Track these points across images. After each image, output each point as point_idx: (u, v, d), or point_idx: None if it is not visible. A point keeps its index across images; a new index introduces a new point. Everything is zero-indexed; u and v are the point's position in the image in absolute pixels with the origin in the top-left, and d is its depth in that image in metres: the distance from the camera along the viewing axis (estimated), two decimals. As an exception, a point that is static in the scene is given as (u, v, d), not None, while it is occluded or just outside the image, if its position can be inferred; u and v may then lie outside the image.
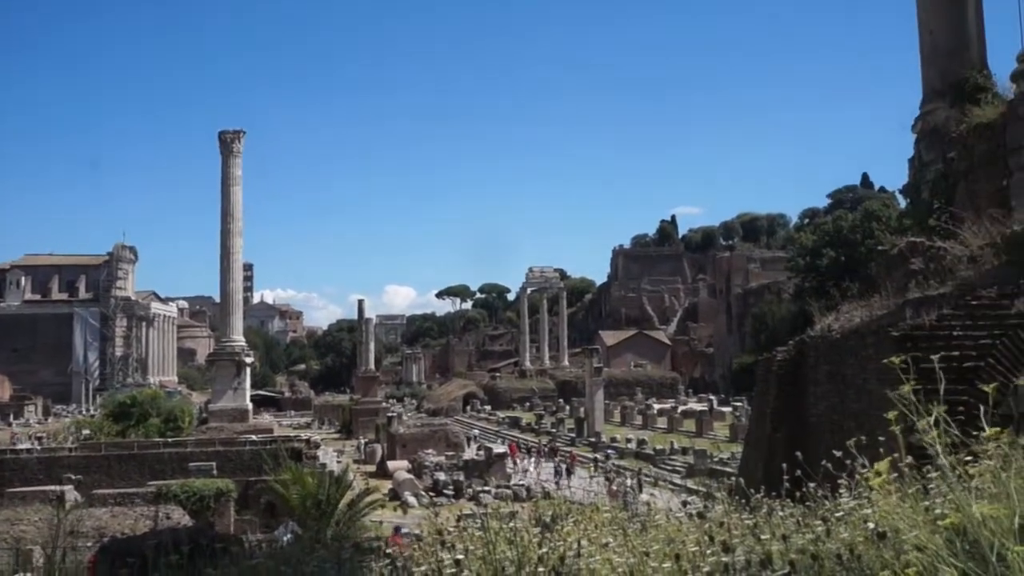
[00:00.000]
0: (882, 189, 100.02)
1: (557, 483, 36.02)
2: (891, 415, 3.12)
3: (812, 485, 5.41)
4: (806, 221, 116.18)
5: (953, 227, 12.58)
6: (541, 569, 4.08)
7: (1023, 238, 11.17)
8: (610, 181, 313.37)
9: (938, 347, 8.21)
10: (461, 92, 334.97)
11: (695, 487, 31.37)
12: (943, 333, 9.36)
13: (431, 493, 34.86)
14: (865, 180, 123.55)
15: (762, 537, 4.44)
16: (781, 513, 5.12)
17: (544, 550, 4.35)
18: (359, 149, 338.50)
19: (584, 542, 4.51)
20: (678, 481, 36.31)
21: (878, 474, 3.32)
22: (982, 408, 3.61)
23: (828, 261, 67.51)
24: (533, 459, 44.32)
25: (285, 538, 17.92)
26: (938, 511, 4.10)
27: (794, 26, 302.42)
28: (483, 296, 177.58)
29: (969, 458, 3.50)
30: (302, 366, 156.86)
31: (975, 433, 3.56)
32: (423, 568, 4.30)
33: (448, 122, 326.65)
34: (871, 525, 4.33)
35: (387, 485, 35.69)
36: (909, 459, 3.78)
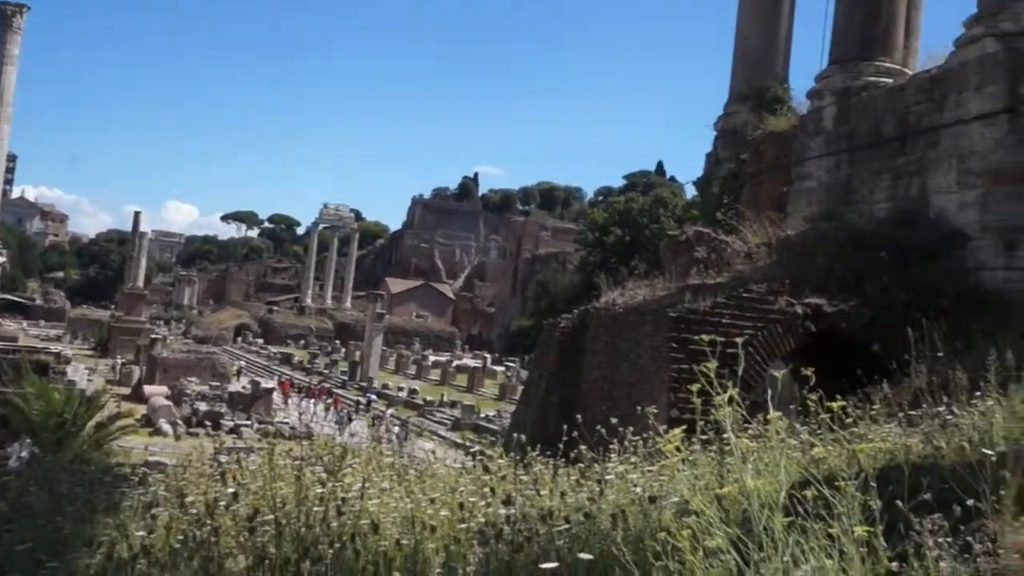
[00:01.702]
0: (673, 179, 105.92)
1: (340, 430, 35.65)
2: (693, 387, 3.26)
3: (584, 448, 5.66)
4: (600, 198, 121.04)
5: (737, 223, 13.54)
6: (318, 508, 4.00)
7: (792, 243, 12.19)
8: (418, 130, 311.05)
9: (708, 331, 8.83)
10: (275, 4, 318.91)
11: (460, 440, 32.21)
12: (714, 319, 10.07)
13: (188, 423, 33.46)
14: (660, 168, 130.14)
15: (541, 493, 4.61)
16: (560, 472, 5.33)
17: (323, 490, 4.27)
18: (159, 51, 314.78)
19: (364, 485, 4.47)
20: (443, 433, 37.04)
21: (670, 442, 3.48)
22: (736, 391, 3.80)
23: (615, 239, 70.65)
24: (313, 400, 43.41)
25: (19, 455, 16.54)
26: (705, 481, 4.41)
27: (617, 12, 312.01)
28: (271, 226, 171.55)
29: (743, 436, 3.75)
30: (60, 274, 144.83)
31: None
32: (191, 499, 4.10)
33: (255, 40, 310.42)
34: (639, 490, 4.58)
35: (141, 410, 33.88)
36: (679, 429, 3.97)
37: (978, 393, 5.87)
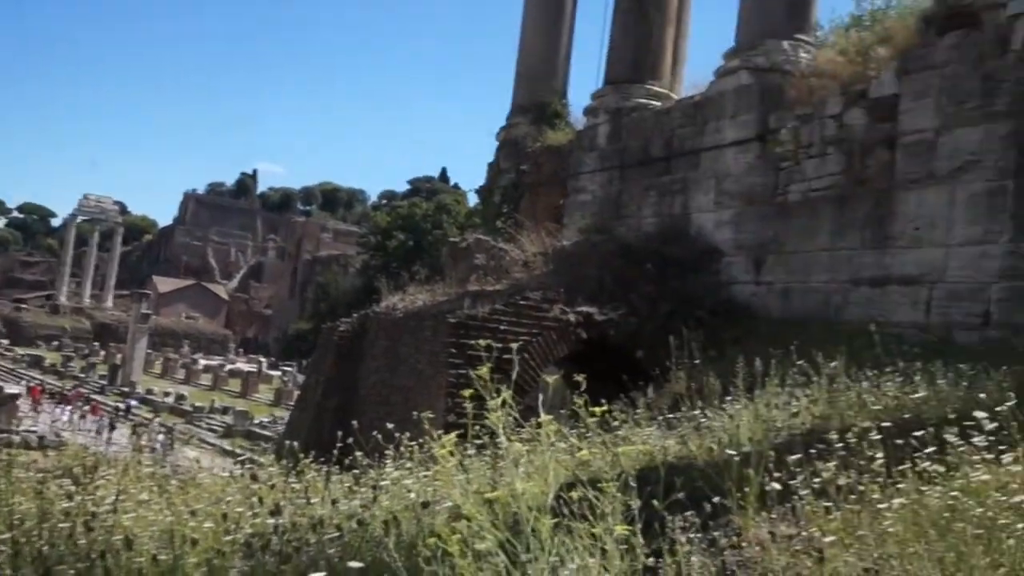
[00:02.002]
0: (457, 186, 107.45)
1: (98, 439, 32.89)
2: (466, 392, 3.29)
3: (360, 454, 5.59)
4: (384, 202, 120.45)
5: (516, 232, 13.94)
6: (64, 524, 3.68)
7: (567, 253, 12.71)
8: (193, 121, 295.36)
9: (486, 337, 9.02)
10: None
11: (231, 448, 30.86)
12: (492, 325, 10.30)
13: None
14: (444, 174, 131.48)
15: (312, 501, 4.49)
16: (333, 479, 5.23)
17: (70, 504, 3.94)
18: None
19: (119, 497, 4.17)
20: (213, 440, 35.38)
21: (444, 447, 3.49)
22: (510, 396, 3.88)
23: (397, 243, 70.57)
24: (68, 407, 39.82)
25: None
26: (477, 485, 4.47)
27: (404, 21, 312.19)
28: (21, 216, 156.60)
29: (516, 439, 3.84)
30: None
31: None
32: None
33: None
34: (413, 495, 4.58)
35: None
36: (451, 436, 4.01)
37: (728, 397, 6.37)
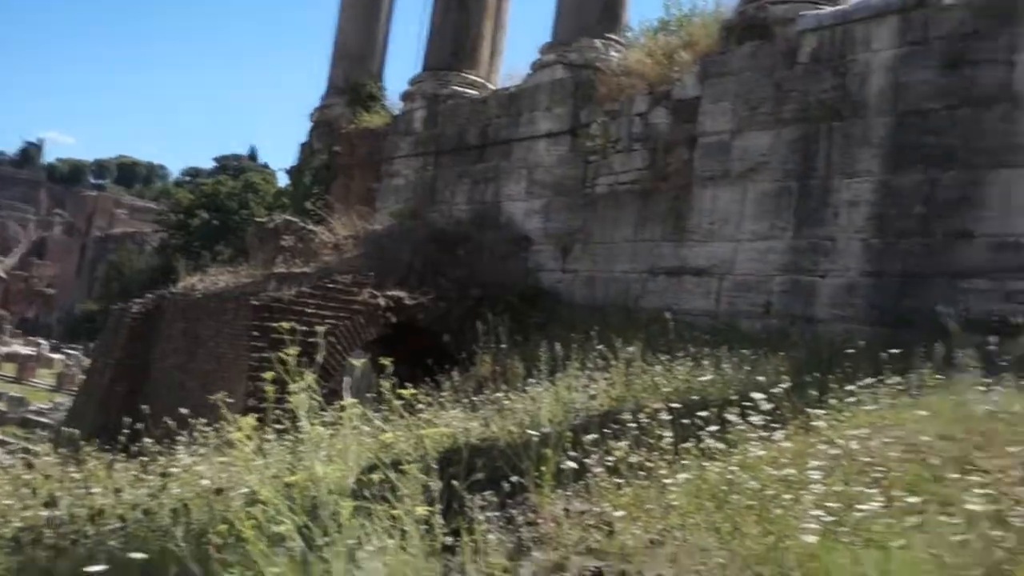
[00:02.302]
0: (266, 165, 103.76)
1: None
2: (268, 375, 3.20)
3: (150, 440, 5.32)
4: (188, 179, 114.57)
5: (327, 215, 13.67)
6: None
7: (379, 236, 12.62)
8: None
9: (292, 320, 8.80)
10: None
11: (2, 437, 28.46)
12: (298, 308, 10.06)
13: None
14: (253, 153, 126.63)
15: (93, 491, 4.22)
16: (118, 467, 4.95)
17: None
18: None
19: None
20: (-16, 430, 32.49)
21: (242, 431, 3.38)
22: (315, 379, 3.82)
23: (200, 222, 67.33)
24: None
25: None
26: (276, 470, 4.36)
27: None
28: None
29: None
30: None
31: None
32: None
33: None
34: (206, 482, 4.41)
35: None
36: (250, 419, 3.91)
37: (532, 380, 6.55)
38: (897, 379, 4.85)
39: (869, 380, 4.82)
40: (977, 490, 2.92)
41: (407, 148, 15.02)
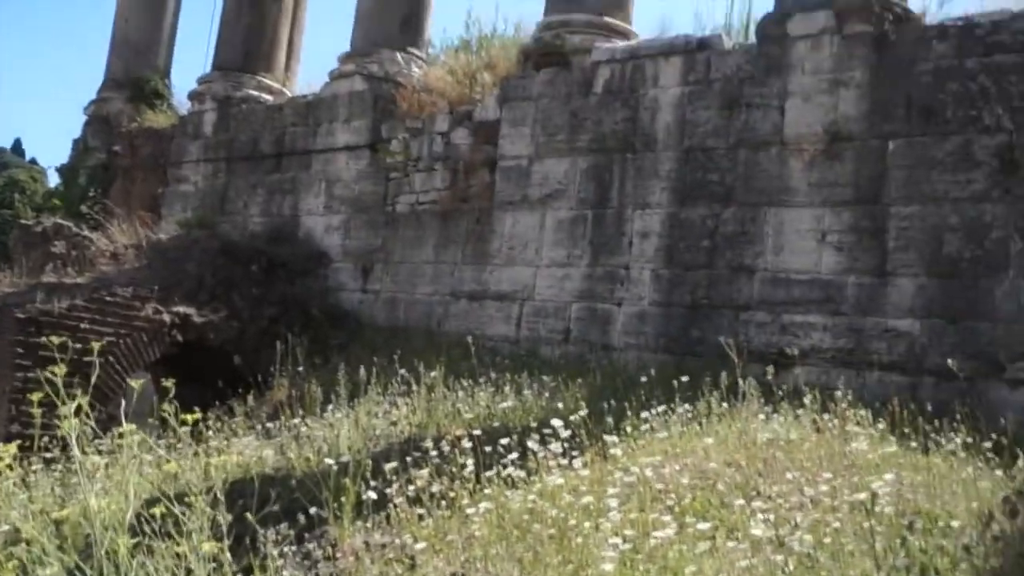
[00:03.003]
0: (34, 161, 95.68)
1: None
2: (34, 396, 2.96)
3: None
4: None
5: (105, 220, 12.79)
6: None
7: (164, 247, 11.96)
8: None
9: (63, 336, 8.17)
10: None
11: None
12: (71, 323, 9.34)
13: None
14: (18, 146, 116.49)
15: None
16: None
17: None
18: None
19: None
20: None
21: (1, 459, 3.11)
22: (88, 402, 3.58)
23: (-49, 221, 61.18)
24: None
25: None
26: (42, 504, 4.02)
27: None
28: None
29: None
30: None
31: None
32: None
33: None
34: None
35: None
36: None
37: (331, 406, 6.43)
38: (687, 407, 5.17)
39: (661, 408, 5.10)
40: (760, 515, 3.16)
41: (196, 152, 14.35)
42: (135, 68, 16.40)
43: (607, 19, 10.44)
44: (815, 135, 8.36)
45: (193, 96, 14.93)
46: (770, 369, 5.89)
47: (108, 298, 9.95)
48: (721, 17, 10.37)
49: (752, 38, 9.36)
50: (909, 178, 7.84)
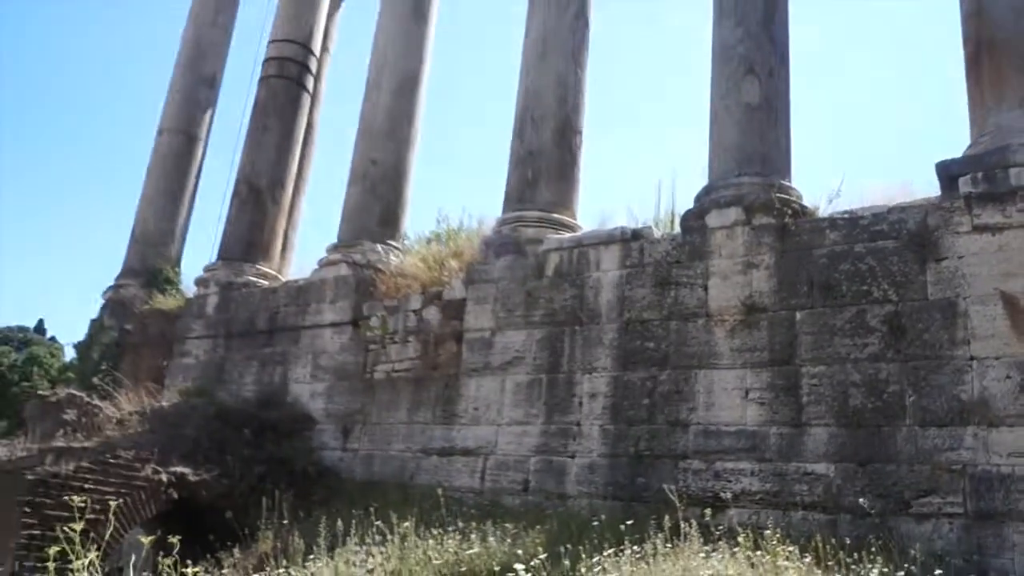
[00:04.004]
0: (54, 339, 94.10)
1: None
2: (50, 550, 2.82)
3: None
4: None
5: (114, 390, 12.53)
6: None
7: (165, 413, 11.69)
8: None
9: (70, 496, 7.82)
10: None
11: None
12: (77, 483, 8.95)
13: None
14: (40, 326, 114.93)
15: None
16: None
17: None
18: None
19: None
20: None
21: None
22: (97, 557, 3.44)
23: (-30, 394, 59.22)
24: None
25: None
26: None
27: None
28: None
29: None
30: None
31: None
32: None
33: None
34: None
35: None
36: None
37: (312, 556, 6.14)
38: (635, 548, 5.03)
39: (612, 550, 4.96)
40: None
41: (199, 330, 14.30)
42: (150, 259, 16.56)
43: (555, 215, 10.92)
44: (734, 308, 8.63)
45: (199, 282, 15.04)
46: (707, 511, 5.80)
47: (111, 460, 9.59)
48: (651, 211, 10.83)
49: (678, 228, 9.79)
50: (816, 342, 8.07)
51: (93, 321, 16.54)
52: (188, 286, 16.12)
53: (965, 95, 8.69)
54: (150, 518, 9.65)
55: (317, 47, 16.82)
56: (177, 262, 17.20)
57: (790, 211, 8.91)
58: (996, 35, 8.48)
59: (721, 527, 5.69)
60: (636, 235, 9.72)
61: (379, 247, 12.87)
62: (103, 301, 16.64)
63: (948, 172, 8.11)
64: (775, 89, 9.81)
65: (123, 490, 9.38)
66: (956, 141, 8.89)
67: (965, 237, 7.73)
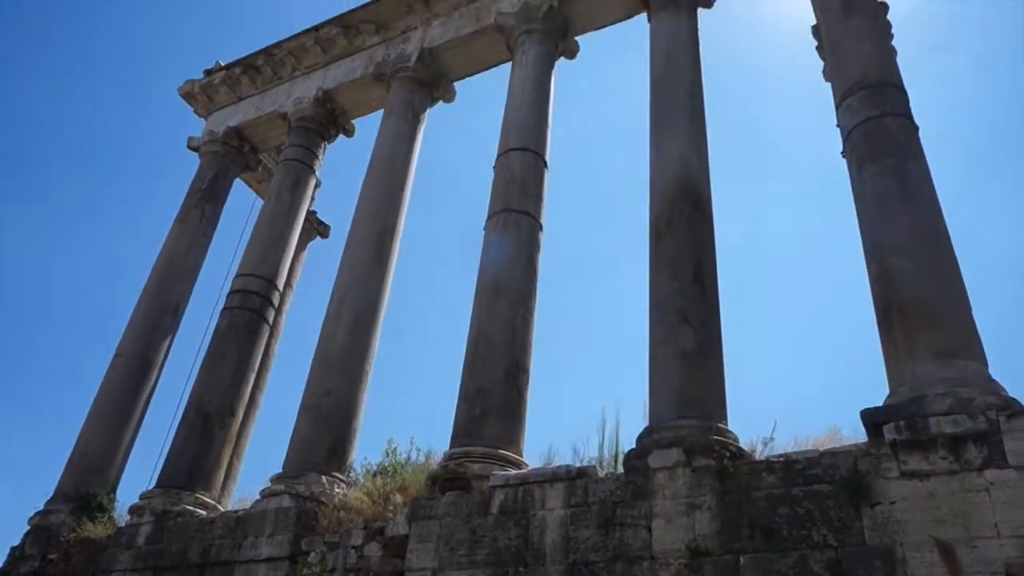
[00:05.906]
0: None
1: None
2: None
3: None
4: None
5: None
6: None
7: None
8: None
9: None
10: None
11: None
12: None
13: None
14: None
15: None
16: None
17: None
18: None
19: None
20: None
21: None
22: None
23: None
24: None
25: None
26: None
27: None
28: None
29: None
30: None
31: None
32: None
33: None
34: None
35: None
36: None
37: None
38: None
39: None
40: None
41: (127, 562, 13.13)
42: (85, 483, 15.54)
43: (502, 451, 10.69)
44: (678, 551, 8.30)
45: (133, 510, 14.06)
46: None
47: None
48: (595, 449, 10.69)
49: (621, 468, 9.63)
50: (760, 590, 7.68)
51: (13, 549, 15.13)
52: (123, 513, 15.04)
53: (880, 346, 9.10)
54: None
55: (281, 282, 17.21)
56: (114, 488, 16.14)
57: (728, 453, 8.89)
58: (904, 295, 9.07)
59: None
60: (581, 473, 9.51)
61: (324, 479, 12.32)
62: (28, 527, 15.34)
63: (873, 419, 8.27)
64: (709, 336, 10.16)
65: None
66: (876, 386, 9.20)
67: (896, 482, 7.73)
